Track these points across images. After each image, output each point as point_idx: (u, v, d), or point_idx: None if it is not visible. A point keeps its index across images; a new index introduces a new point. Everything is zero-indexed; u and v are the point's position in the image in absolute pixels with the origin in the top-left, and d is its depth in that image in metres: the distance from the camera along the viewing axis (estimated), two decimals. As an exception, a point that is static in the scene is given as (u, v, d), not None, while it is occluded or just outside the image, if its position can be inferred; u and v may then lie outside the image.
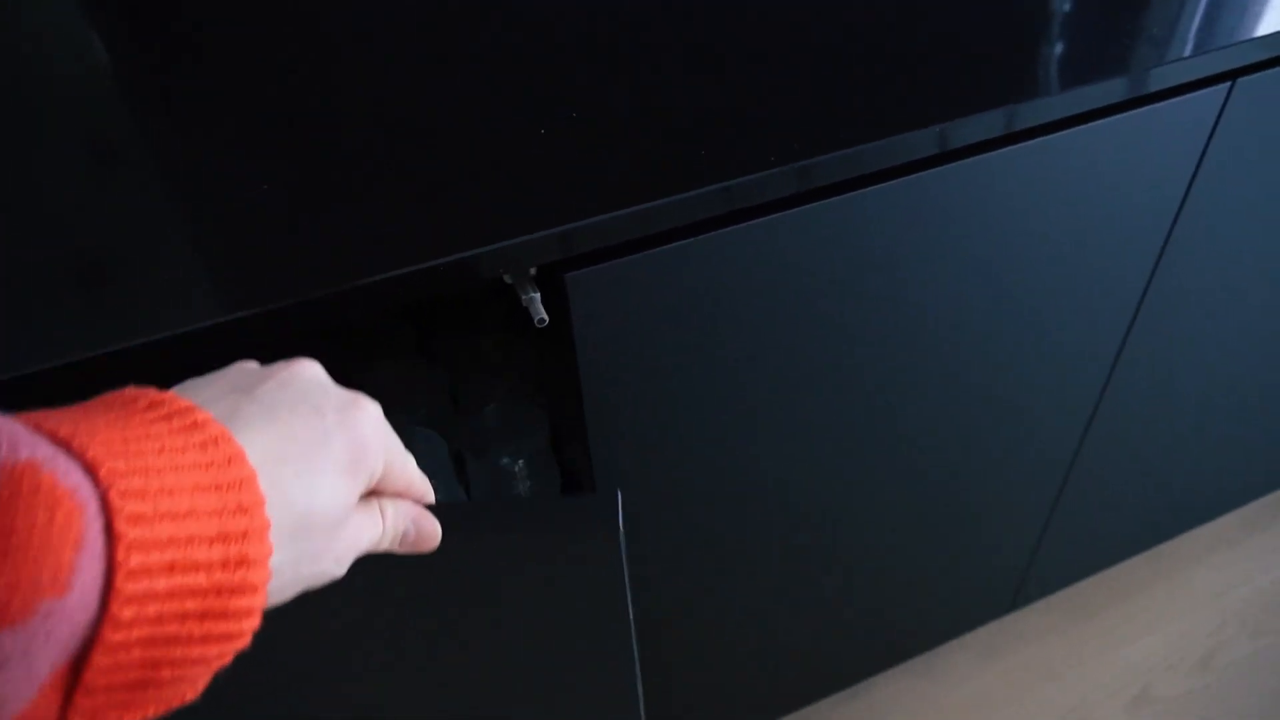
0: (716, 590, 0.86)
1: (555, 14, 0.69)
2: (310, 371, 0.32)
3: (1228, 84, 0.64)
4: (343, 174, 0.55)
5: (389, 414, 0.67)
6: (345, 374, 0.78)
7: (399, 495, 0.35)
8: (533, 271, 0.52)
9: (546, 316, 0.51)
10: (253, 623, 0.25)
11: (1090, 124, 0.61)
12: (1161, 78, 0.60)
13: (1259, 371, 0.99)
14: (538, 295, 0.51)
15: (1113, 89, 0.59)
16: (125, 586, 0.22)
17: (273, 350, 0.45)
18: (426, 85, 0.63)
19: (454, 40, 0.68)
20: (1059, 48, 0.63)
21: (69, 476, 0.21)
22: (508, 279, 0.52)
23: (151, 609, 0.22)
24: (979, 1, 0.67)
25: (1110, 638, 1.26)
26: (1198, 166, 0.69)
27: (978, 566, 1.06)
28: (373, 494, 0.33)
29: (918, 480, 0.87)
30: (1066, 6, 0.67)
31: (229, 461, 0.25)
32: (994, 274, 0.69)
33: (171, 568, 0.23)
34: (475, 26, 0.69)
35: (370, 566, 0.34)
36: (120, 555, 0.22)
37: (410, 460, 0.35)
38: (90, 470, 0.22)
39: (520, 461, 0.72)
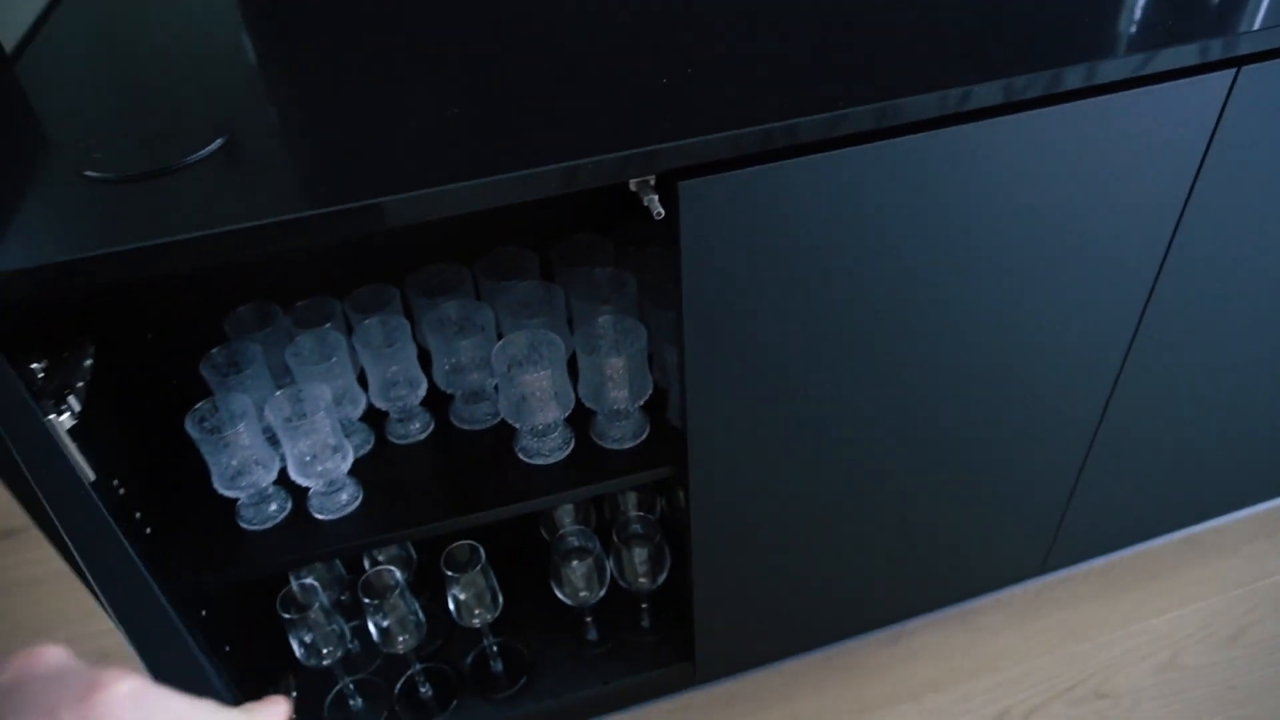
0: (774, 515, 1.00)
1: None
2: (44, 663, 0.28)
3: (1234, 70, 0.77)
4: (520, 107, 0.73)
5: (521, 320, 0.86)
6: (484, 294, 0.96)
7: None
8: (652, 180, 0.68)
9: (663, 211, 0.67)
10: None
11: (1111, 94, 0.74)
12: (1172, 59, 0.74)
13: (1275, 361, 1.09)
14: (656, 197, 0.68)
15: (1126, 65, 0.73)
16: None
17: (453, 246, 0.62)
18: (571, 45, 0.80)
19: (584, 14, 0.85)
20: (1086, 27, 0.77)
21: None
22: (633, 185, 0.69)
23: None
24: None
25: (1143, 609, 1.34)
26: (1209, 143, 0.81)
27: (1011, 520, 1.17)
28: None
29: (958, 425, 1.00)
30: None
31: None
32: (1026, 229, 0.82)
33: None
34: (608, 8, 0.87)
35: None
36: None
37: (206, 716, 0.30)
38: None
39: (622, 359, 0.88)
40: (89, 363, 0.72)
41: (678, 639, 1.19)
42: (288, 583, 1.01)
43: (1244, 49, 0.76)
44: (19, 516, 1.65)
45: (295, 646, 1.02)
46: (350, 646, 1.18)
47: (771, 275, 0.76)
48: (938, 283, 0.84)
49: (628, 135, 0.66)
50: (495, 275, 0.99)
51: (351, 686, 1.14)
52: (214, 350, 0.89)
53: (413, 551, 1.17)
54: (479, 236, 1.04)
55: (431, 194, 0.62)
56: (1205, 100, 0.78)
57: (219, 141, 0.70)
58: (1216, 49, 0.75)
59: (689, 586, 1.06)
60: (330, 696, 1.15)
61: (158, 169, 0.67)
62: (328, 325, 0.93)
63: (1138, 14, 0.80)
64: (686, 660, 1.17)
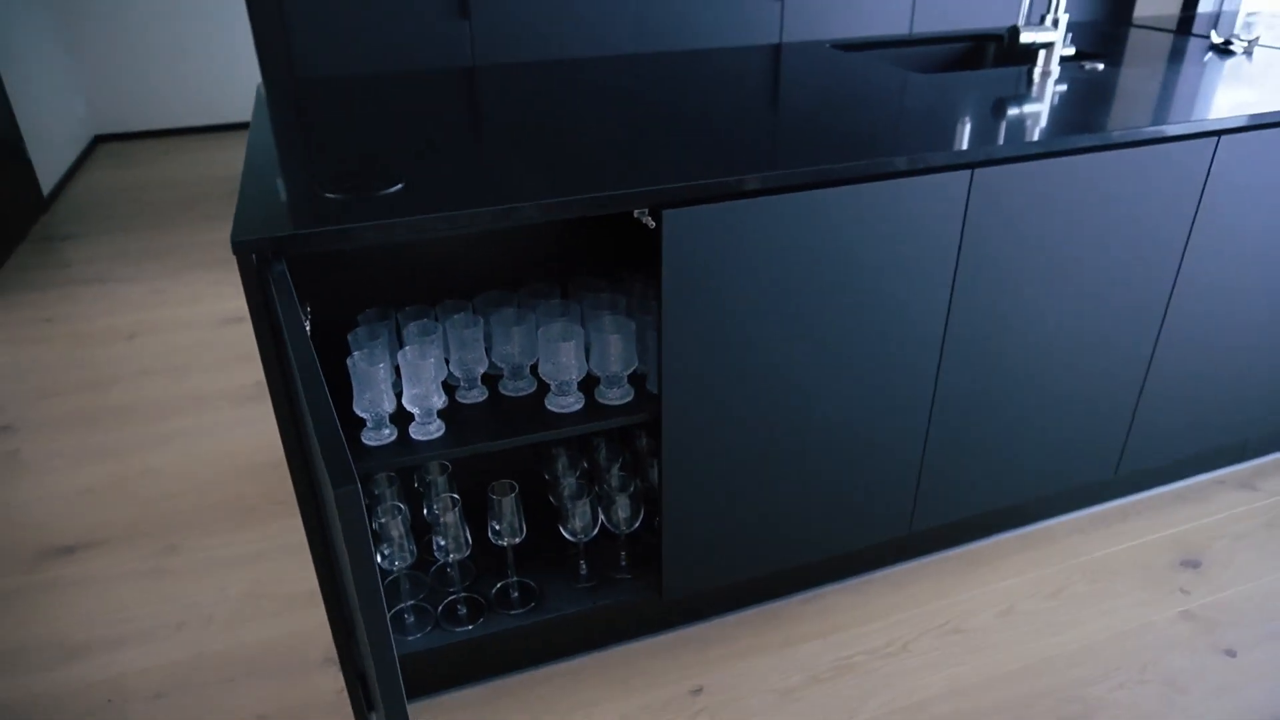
0: (719, 458, 1.47)
1: (667, 105, 1.45)
2: None
3: (969, 170, 1.36)
4: (579, 169, 1.28)
5: (552, 321, 1.44)
6: (524, 308, 1.51)
7: None
8: (646, 211, 1.23)
9: (654, 222, 1.21)
10: None
11: (888, 181, 1.32)
12: (933, 159, 1.33)
13: (1060, 379, 1.64)
14: (651, 220, 1.22)
15: (900, 162, 1.31)
16: None
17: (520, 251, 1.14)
18: (607, 136, 1.37)
19: (595, 118, 1.43)
20: (871, 138, 1.36)
21: None
22: (636, 213, 1.23)
23: None
24: (860, 110, 1.42)
25: (990, 577, 1.81)
26: (964, 218, 1.40)
27: (879, 484, 1.66)
28: None
29: (844, 406, 1.51)
30: (879, 116, 1.41)
31: None
32: (874, 272, 1.38)
33: None
34: (618, 114, 1.45)
35: None
36: None
37: None
38: None
39: (619, 336, 1.39)
40: (309, 309, 1.20)
41: (647, 578, 1.62)
42: (377, 514, 1.43)
43: (977, 157, 1.36)
44: (75, 535, 2.00)
45: (378, 556, 1.44)
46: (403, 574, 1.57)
47: (723, 277, 1.29)
48: (819, 300, 1.37)
49: (636, 182, 1.21)
50: (532, 297, 1.51)
51: (410, 604, 1.54)
52: (357, 329, 1.37)
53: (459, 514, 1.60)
54: (520, 271, 1.56)
55: (524, 205, 1.15)
56: (955, 189, 1.37)
57: (399, 185, 1.23)
58: (955, 156, 1.34)
59: (659, 528, 1.51)
60: (389, 615, 1.54)
61: (364, 196, 1.19)
62: (425, 320, 1.42)
63: (947, 127, 1.40)
64: (655, 592, 1.59)
